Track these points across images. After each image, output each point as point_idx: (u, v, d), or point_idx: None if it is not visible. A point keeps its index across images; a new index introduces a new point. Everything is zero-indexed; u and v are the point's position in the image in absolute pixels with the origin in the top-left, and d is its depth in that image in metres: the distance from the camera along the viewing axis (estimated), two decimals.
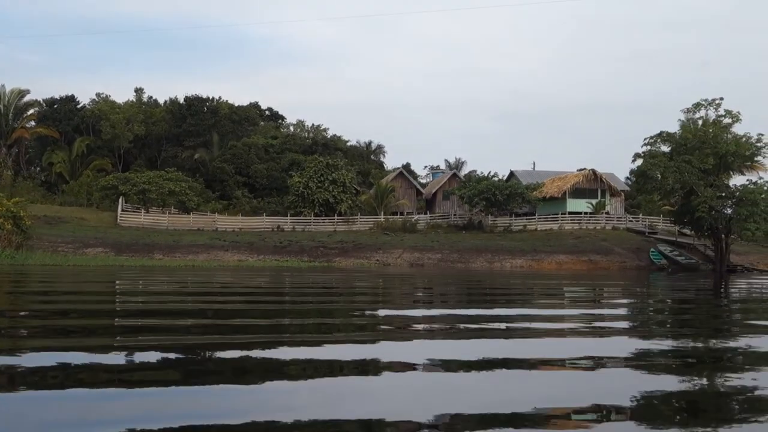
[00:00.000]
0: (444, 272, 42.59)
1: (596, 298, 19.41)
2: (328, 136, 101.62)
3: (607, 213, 68.60)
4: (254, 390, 5.18)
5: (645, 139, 54.61)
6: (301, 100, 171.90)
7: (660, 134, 54.56)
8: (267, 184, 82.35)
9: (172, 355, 6.53)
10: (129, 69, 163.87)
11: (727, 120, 53.46)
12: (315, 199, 67.41)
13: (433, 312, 12.88)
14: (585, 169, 71.27)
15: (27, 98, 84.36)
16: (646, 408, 4.87)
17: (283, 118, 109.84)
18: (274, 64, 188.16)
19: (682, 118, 54.66)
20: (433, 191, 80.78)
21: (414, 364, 6.14)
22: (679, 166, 52.35)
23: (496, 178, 70.29)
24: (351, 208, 69.10)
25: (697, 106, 54.19)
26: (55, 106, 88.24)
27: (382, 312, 12.48)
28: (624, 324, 10.81)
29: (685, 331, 10.40)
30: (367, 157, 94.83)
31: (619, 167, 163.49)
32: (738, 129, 54.59)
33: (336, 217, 67.70)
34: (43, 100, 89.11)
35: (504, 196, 64.75)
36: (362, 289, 21.23)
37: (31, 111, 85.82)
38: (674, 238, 60.75)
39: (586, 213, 67.45)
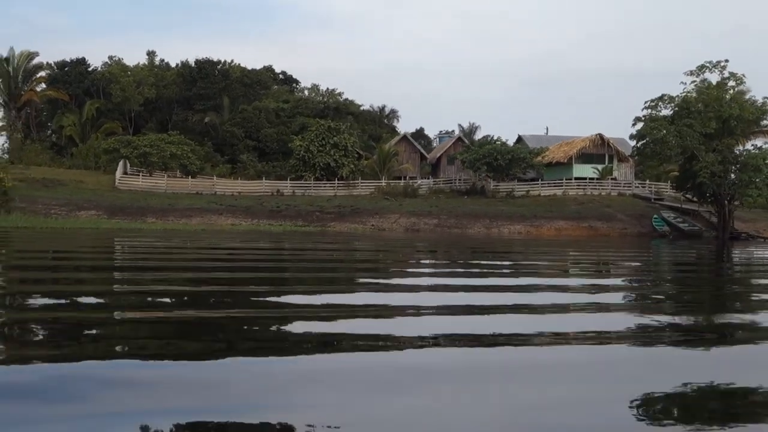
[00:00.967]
0: (437, 237, 42.22)
1: (567, 267, 18.32)
2: (347, 101, 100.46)
3: (614, 179, 67.16)
4: None
5: (646, 102, 53.11)
6: (321, 66, 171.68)
7: (661, 97, 53.02)
8: (277, 149, 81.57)
9: None
10: (146, 33, 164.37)
11: (732, 83, 51.73)
12: (316, 163, 66.66)
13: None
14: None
15: (36, 60, 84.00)
16: None
17: (297, 82, 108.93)
18: (295, 29, 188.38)
19: (686, 81, 52.83)
20: (438, 156, 79.63)
21: None
22: (680, 130, 50.92)
23: (499, 143, 68.61)
24: (353, 172, 68.21)
25: (702, 68, 52.54)
26: (66, 69, 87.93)
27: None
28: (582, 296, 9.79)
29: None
30: (379, 122, 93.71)
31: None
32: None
33: (336, 182, 66.89)
34: (54, 62, 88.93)
35: (506, 160, 63.55)
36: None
37: (40, 74, 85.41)
38: (679, 205, 59.29)
39: (592, 179, 66.05)
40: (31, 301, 7.74)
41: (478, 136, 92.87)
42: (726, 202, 52.19)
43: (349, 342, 5.39)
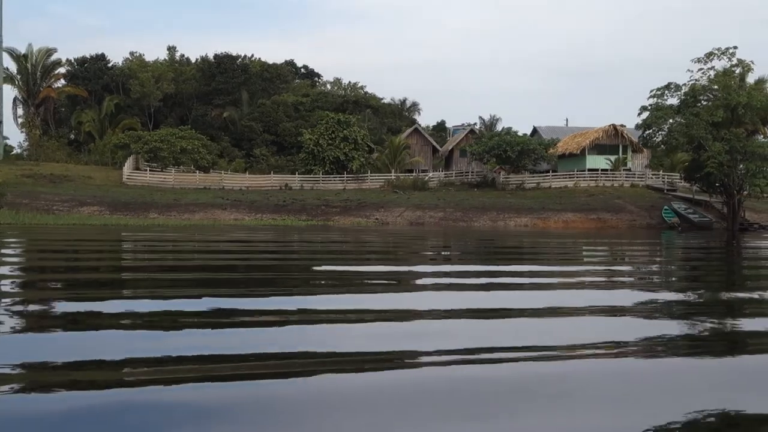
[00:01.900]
0: (437, 231, 41.67)
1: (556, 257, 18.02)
2: (367, 94, 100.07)
3: (629, 170, 66.01)
4: None
5: (651, 90, 51.91)
6: (348, 60, 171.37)
7: (668, 86, 51.81)
8: (295, 143, 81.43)
9: None
10: (173, 30, 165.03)
11: (739, 70, 50.42)
12: (325, 156, 66.34)
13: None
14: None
15: (54, 57, 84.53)
16: None
17: (319, 76, 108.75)
18: (324, 23, 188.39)
19: (693, 69, 51.52)
20: (450, 148, 78.86)
21: None
22: (686, 119, 49.83)
23: (507, 135, 67.55)
24: (363, 165, 67.75)
25: (710, 55, 51.14)
26: (86, 65, 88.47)
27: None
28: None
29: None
30: (399, 114, 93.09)
31: None
32: None
33: (345, 175, 66.47)
34: (74, 59, 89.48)
35: (515, 152, 62.70)
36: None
37: (58, 70, 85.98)
38: (692, 196, 58.04)
39: (605, 170, 65.00)
40: None
41: (499, 128, 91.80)
42: (735, 192, 50.87)
43: None
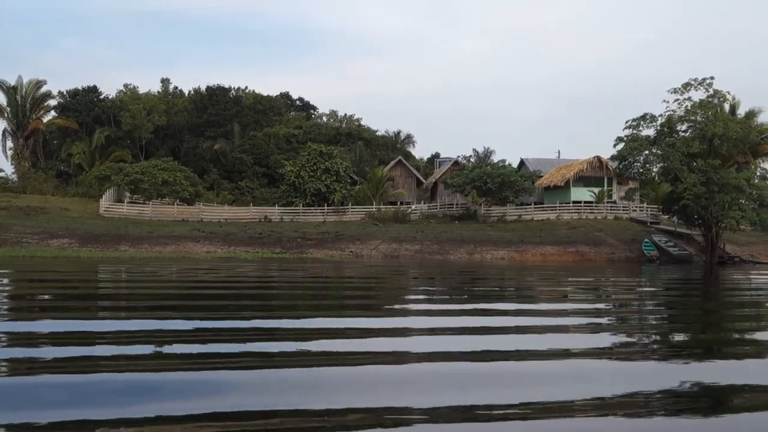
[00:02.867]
0: (411, 264, 41.57)
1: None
2: (360, 126, 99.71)
3: (614, 202, 65.08)
4: None
5: (627, 121, 51.10)
6: (345, 93, 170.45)
7: (643, 116, 50.99)
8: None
9: None
10: (172, 63, 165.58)
11: (715, 101, 49.53)
12: (307, 188, 65.68)
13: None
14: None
15: (44, 89, 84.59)
16: None
17: (314, 108, 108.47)
18: (322, 57, 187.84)
19: (669, 99, 50.66)
20: (434, 181, 78.14)
21: None
22: (662, 151, 49.00)
23: (488, 167, 66.68)
24: (345, 198, 67.06)
25: (687, 86, 50.27)
26: (77, 97, 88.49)
27: None
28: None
29: None
30: (392, 147, 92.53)
31: None
32: None
33: (326, 207, 65.80)
34: (66, 90, 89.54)
35: (496, 184, 61.87)
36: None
37: (48, 102, 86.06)
38: (674, 228, 57.04)
39: (589, 202, 64.10)
40: None
41: (494, 160, 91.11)
42: (713, 224, 49.79)
43: None
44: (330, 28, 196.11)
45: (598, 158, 65.18)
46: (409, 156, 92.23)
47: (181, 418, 4.95)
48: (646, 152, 49.96)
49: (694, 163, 49.92)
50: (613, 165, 63.99)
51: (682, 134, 50.73)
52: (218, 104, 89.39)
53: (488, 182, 61.81)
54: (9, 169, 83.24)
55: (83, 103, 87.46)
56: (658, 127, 50.49)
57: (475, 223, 62.32)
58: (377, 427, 4.92)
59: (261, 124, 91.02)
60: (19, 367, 6.87)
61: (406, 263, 43.23)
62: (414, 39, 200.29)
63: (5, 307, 12.70)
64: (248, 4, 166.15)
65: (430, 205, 70.65)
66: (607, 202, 64.28)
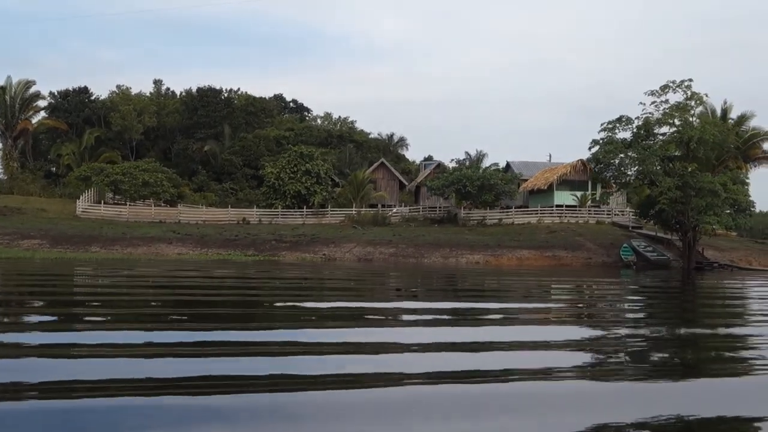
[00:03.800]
0: (382, 268, 41.23)
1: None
2: (352, 129, 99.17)
3: (597, 206, 64.13)
4: None
5: (602, 124, 50.10)
6: (342, 96, 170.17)
7: (619, 119, 49.98)
8: None
9: None
10: (180, 65, 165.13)
11: (692, 103, 48.48)
12: (287, 190, 64.95)
13: None
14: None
15: (33, 89, 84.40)
16: None
17: (308, 110, 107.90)
18: (321, 59, 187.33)
19: (645, 102, 49.62)
20: (417, 184, 77.36)
21: None
22: (639, 154, 48.10)
23: (469, 170, 65.77)
24: (326, 200, 66.37)
25: (665, 88, 49.21)
26: (68, 97, 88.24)
27: None
28: None
29: None
30: (384, 149, 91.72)
31: None
32: None
33: (305, 210, 65.11)
34: (57, 91, 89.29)
35: (475, 187, 61.01)
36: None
37: (38, 102, 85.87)
38: (655, 233, 56.01)
39: (572, 206, 63.23)
40: None
41: (486, 163, 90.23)
42: (690, 229, 48.75)
43: None
44: (332, 33, 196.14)
45: (582, 162, 64.18)
46: (401, 159, 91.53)
47: None
48: (622, 155, 48.92)
49: (671, 167, 49.10)
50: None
51: (660, 137, 49.70)
52: (209, 106, 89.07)
53: (467, 185, 60.95)
54: None
55: (74, 104, 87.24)
56: (634, 130, 49.47)
57: (454, 227, 61.54)
58: None
59: (252, 126, 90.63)
60: None
61: (375, 267, 42.72)
62: (412, 44, 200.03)
63: None
64: (252, 7, 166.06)
65: (412, 208, 69.90)
66: (591, 206, 63.27)
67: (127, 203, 65.76)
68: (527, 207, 66.63)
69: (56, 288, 20.75)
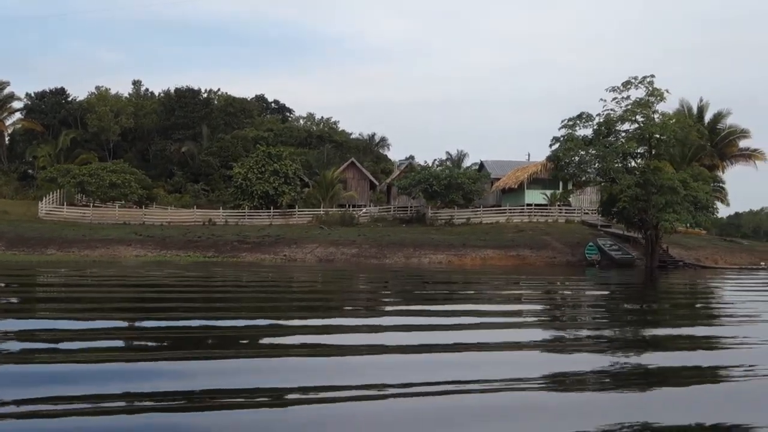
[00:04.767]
0: (340, 269, 41.20)
1: None
2: (332, 129, 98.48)
3: (568, 205, 63.36)
4: None
5: (563, 121, 49.25)
6: (327, 97, 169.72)
7: (580, 115, 49.12)
8: None
9: None
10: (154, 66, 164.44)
11: (652, 99, 47.57)
12: (254, 191, 64.15)
13: None
14: None
15: (7, 90, 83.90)
16: None
17: (290, 111, 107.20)
18: (311, 61, 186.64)
19: (606, 98, 48.68)
20: (387, 183, 76.58)
21: None
22: (600, 151, 47.30)
23: (436, 169, 64.93)
24: (295, 200, 65.59)
25: (627, 84, 48.27)
26: (44, 99, 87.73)
27: None
28: None
29: None
30: (364, 150, 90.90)
31: None
32: None
33: (272, 210, 64.34)
34: (34, 92, 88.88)
35: (442, 186, 60.22)
36: None
37: (11, 104, 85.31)
38: (622, 232, 55.20)
39: (543, 205, 62.49)
40: None
41: (467, 163, 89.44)
42: (653, 227, 47.91)
43: None
44: (328, 34, 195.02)
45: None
46: (381, 159, 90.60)
47: None
48: (582, 153, 48.11)
49: (634, 164, 48.41)
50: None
51: (623, 134, 48.87)
52: (187, 106, 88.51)
53: (434, 184, 60.17)
54: None
55: (50, 105, 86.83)
56: (595, 127, 48.65)
57: (422, 227, 60.84)
58: None
59: (231, 127, 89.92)
60: None
61: (330, 268, 42.44)
62: (406, 45, 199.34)
63: None
64: (249, 8, 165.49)
65: (382, 208, 69.09)
66: (562, 205, 62.49)
67: (91, 205, 65.08)
68: (500, 206, 65.84)
69: None
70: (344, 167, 75.19)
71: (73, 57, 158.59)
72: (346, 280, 31.29)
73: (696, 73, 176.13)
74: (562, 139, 48.95)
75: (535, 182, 63.05)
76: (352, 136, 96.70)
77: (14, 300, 17.77)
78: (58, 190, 65.72)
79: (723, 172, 70.64)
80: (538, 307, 19.42)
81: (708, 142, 68.74)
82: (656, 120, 47.61)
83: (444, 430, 5.81)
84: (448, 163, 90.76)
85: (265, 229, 60.27)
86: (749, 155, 70.01)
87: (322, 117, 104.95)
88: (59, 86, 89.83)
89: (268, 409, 6.46)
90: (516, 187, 63.81)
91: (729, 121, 70.78)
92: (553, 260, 51.51)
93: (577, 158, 48.31)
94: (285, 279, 30.46)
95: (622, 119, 48.15)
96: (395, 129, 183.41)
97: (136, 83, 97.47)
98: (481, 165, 75.20)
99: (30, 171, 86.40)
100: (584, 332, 12.90)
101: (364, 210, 67.29)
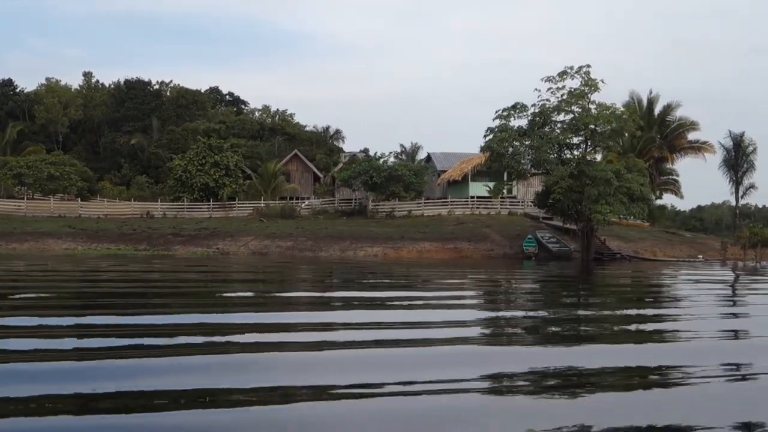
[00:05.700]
0: (270, 261, 40.98)
1: None
2: (285, 121, 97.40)
3: (514, 197, 62.70)
4: None
5: (497, 111, 48.43)
6: (284, 92, 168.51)
7: (514, 106, 48.33)
8: None
9: None
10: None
11: (586, 89, 46.81)
12: (194, 183, 62.93)
13: None
14: None
15: None
16: None
17: (245, 103, 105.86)
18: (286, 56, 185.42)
19: (541, 89, 47.88)
20: (331, 175, 75.60)
21: None
22: (535, 142, 46.58)
23: (377, 161, 63.60)
24: (236, 192, 64.42)
25: (563, 74, 47.47)
26: None
27: None
28: None
29: None
30: (317, 142, 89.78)
31: None
32: None
33: (211, 203, 63.18)
34: None
35: (381, 178, 59.32)
36: None
37: None
38: (563, 224, 54.48)
39: (486, 197, 61.73)
40: None
41: (420, 155, 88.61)
42: (587, 219, 47.20)
43: None
44: (287, 31, 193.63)
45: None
46: (335, 151, 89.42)
47: None
48: (517, 143, 47.36)
49: (569, 155, 47.79)
50: None
51: (560, 125, 48.17)
52: (136, 98, 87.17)
53: (374, 176, 59.23)
54: None
55: None
56: (530, 117, 47.89)
57: (363, 219, 59.95)
58: None
59: (183, 119, 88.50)
60: None
61: (260, 261, 42.10)
62: (361, 42, 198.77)
63: None
64: (221, 2, 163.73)
65: (325, 200, 67.96)
66: (507, 197, 61.82)
67: (25, 197, 63.80)
68: (446, 198, 65.08)
69: None
70: (287, 159, 74.13)
71: (28, 52, 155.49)
72: (251, 273, 30.52)
73: (659, 67, 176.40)
74: (496, 129, 48.15)
75: (479, 174, 62.10)
76: (307, 129, 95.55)
77: None
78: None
79: (672, 164, 70.26)
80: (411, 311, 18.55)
81: (657, 134, 68.48)
82: (593, 110, 46.86)
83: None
84: (402, 156, 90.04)
85: (204, 222, 59.26)
86: (698, 147, 69.51)
87: (278, 109, 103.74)
88: (6, 78, 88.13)
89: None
90: (460, 179, 63.13)
91: (678, 113, 70.29)
92: (491, 253, 50.86)
93: (511, 149, 47.50)
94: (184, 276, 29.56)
95: (558, 109, 47.44)
96: (354, 123, 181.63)
97: (87, 75, 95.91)
98: (429, 157, 74.41)
99: None
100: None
101: (306, 203, 66.25)
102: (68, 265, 32.64)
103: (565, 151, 48.06)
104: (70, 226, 56.09)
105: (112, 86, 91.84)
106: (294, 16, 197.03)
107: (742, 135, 69.90)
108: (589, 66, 47.24)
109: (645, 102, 70.83)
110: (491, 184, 60.40)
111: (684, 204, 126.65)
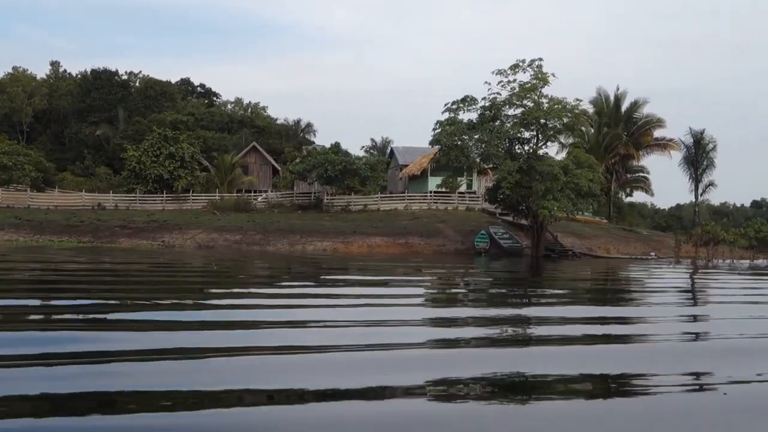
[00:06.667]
0: (216, 255, 39.90)
1: None
2: (255, 113, 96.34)
3: (473, 192, 61.76)
4: None
5: (446, 104, 47.32)
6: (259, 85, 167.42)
7: (464, 99, 47.24)
8: None
9: None
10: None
11: (536, 82, 45.73)
12: (148, 174, 61.76)
13: None
14: None
15: None
16: None
17: (217, 95, 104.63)
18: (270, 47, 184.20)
19: (491, 82, 46.77)
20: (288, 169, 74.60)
21: None
22: (484, 136, 45.55)
23: (333, 155, 62.27)
24: (192, 185, 63.25)
25: (515, 68, 46.34)
26: None
27: None
28: None
29: None
30: (287, 135, 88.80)
31: None
32: None
33: (164, 195, 62.03)
34: None
35: (337, 171, 58.27)
36: None
37: None
38: (517, 219, 53.57)
39: (444, 192, 60.87)
40: None
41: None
42: (537, 215, 46.18)
43: None
44: (270, 23, 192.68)
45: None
46: (304, 144, 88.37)
47: None
48: (465, 137, 46.30)
49: (519, 150, 46.82)
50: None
51: (511, 118, 47.10)
52: (103, 88, 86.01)
53: (329, 169, 58.17)
54: None
55: None
56: (479, 111, 46.86)
57: (317, 213, 58.89)
58: None
59: (151, 110, 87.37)
60: None
61: (210, 254, 41.01)
62: (344, 36, 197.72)
63: None
64: None
65: (282, 193, 66.89)
66: (466, 191, 60.92)
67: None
68: (405, 193, 64.27)
69: None
70: (245, 152, 73.07)
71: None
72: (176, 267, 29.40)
73: (658, 67, 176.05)
74: (444, 122, 47.11)
75: (439, 169, 61.05)
76: (278, 122, 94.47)
77: None
78: None
79: (638, 161, 69.53)
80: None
81: (624, 131, 67.74)
82: (545, 105, 45.84)
83: None
84: (373, 151, 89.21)
85: (155, 214, 58.17)
86: (664, 145, 68.78)
87: (250, 102, 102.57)
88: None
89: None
90: (419, 174, 62.10)
91: (645, 110, 69.54)
92: (442, 248, 49.93)
93: (459, 143, 46.47)
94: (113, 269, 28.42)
95: (509, 103, 46.39)
96: (329, 118, 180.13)
97: (54, 64, 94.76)
98: (392, 152, 73.36)
99: None
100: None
101: (263, 196, 65.15)
102: None
103: (516, 146, 46.92)
104: (16, 217, 55.08)
105: (79, 76, 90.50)
106: (280, 7, 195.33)
107: (702, 132, 69.43)
108: (541, 59, 46.18)
109: (612, 98, 69.99)
110: (449, 179, 59.71)
111: (663, 202, 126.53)
